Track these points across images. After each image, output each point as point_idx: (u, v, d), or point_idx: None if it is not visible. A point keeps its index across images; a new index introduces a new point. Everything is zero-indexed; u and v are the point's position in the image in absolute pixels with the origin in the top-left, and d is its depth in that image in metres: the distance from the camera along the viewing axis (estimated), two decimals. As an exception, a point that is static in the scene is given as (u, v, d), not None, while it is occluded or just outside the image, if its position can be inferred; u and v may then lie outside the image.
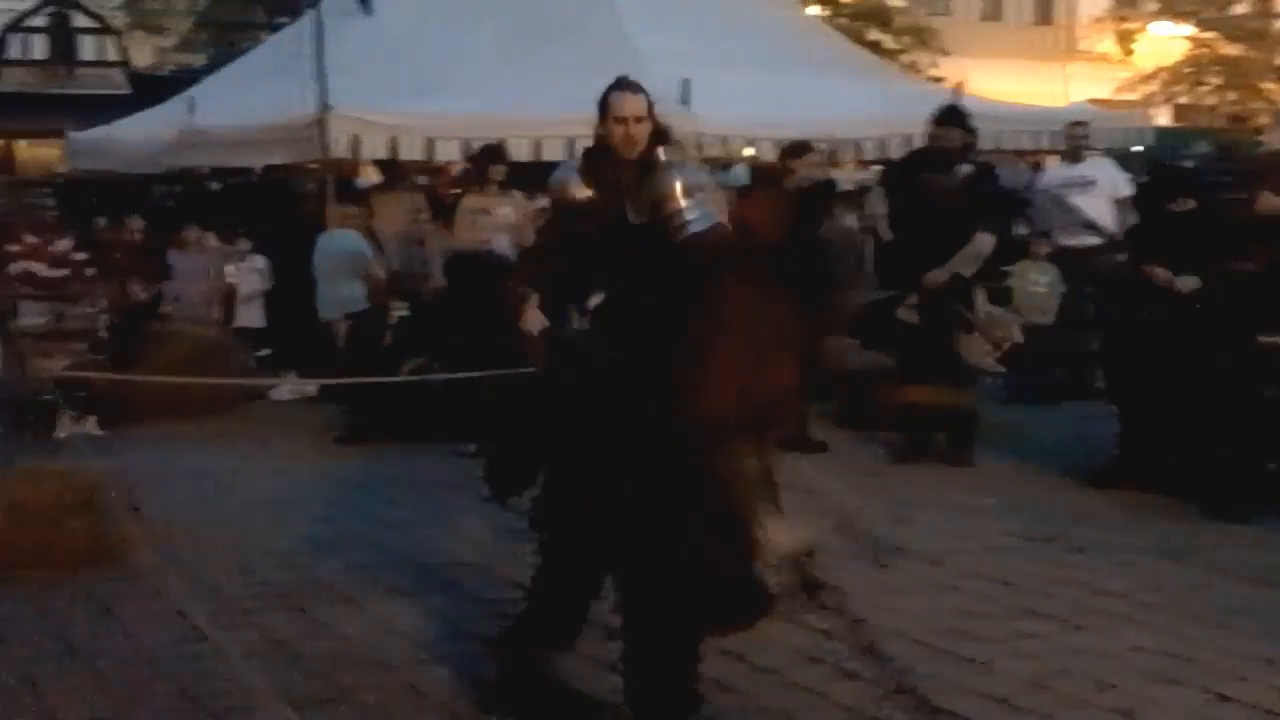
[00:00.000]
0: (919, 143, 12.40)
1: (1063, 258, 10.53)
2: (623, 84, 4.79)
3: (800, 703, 4.61)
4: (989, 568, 6.09)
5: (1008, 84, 24.61)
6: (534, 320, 4.86)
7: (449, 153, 10.43)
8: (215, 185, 15.44)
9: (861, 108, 11.98)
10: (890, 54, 23.94)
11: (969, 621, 5.39)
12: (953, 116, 8.31)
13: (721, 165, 11.00)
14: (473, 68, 11.06)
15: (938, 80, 19.02)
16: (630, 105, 4.63)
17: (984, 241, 8.03)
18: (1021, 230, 11.30)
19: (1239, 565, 6.12)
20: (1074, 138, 10.99)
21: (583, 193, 4.76)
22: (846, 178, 14.98)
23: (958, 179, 8.03)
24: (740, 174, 15.83)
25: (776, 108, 10.92)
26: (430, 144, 10.17)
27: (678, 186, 4.60)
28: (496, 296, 5.13)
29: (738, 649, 4.93)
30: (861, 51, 15.93)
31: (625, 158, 4.67)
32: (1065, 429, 8.93)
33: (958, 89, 13.01)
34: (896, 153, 12.98)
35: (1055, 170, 11.47)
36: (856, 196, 13.92)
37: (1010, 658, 4.98)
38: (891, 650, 5.00)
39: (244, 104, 11.59)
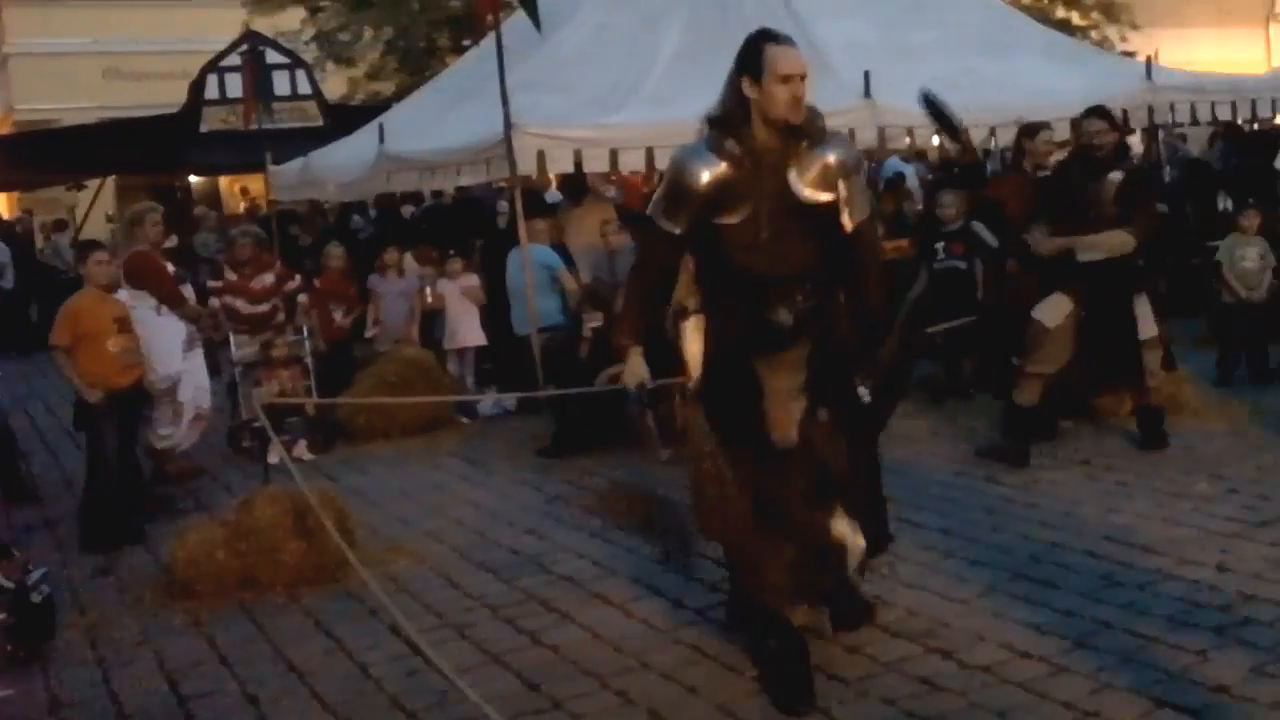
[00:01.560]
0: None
1: (1275, 230, 10.02)
2: (777, 36, 4.46)
3: (1017, 700, 4.48)
4: (1205, 554, 5.84)
5: (1203, 53, 23.69)
6: (637, 371, 4.80)
7: (633, 163, 10.48)
8: (410, 209, 15.88)
9: (1052, 89, 11.61)
10: (1079, 31, 23.23)
11: (1185, 611, 5.18)
12: (1100, 114, 7.79)
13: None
14: (652, 77, 11.07)
15: (1129, 55, 18.34)
16: (796, 60, 4.30)
17: (1117, 239, 7.42)
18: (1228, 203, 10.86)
19: None
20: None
21: (716, 171, 4.39)
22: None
23: (1111, 187, 7.47)
24: (893, 165, 15.65)
25: (962, 95, 10.61)
26: (614, 155, 10.22)
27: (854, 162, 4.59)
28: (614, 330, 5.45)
29: (945, 647, 4.83)
30: (1049, 31, 15.45)
31: (788, 122, 4.33)
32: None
33: (1151, 61, 12.55)
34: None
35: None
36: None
37: (1230, 647, 4.78)
38: (1106, 642, 4.85)
39: (434, 128, 11.84)
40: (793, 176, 4.45)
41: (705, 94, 11.55)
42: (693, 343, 4.76)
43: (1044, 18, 19.87)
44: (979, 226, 9.01)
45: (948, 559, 6.03)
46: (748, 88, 4.40)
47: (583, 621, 5.65)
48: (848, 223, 4.60)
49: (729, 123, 4.46)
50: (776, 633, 4.70)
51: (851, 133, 10.28)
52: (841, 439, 4.72)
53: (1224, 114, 12.65)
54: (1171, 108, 12.22)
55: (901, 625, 5.21)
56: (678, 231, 4.56)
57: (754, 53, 4.38)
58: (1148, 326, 7.65)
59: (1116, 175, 7.49)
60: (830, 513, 4.71)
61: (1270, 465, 7.29)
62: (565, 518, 7.44)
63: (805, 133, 4.48)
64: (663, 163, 10.38)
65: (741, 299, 4.61)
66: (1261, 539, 6.02)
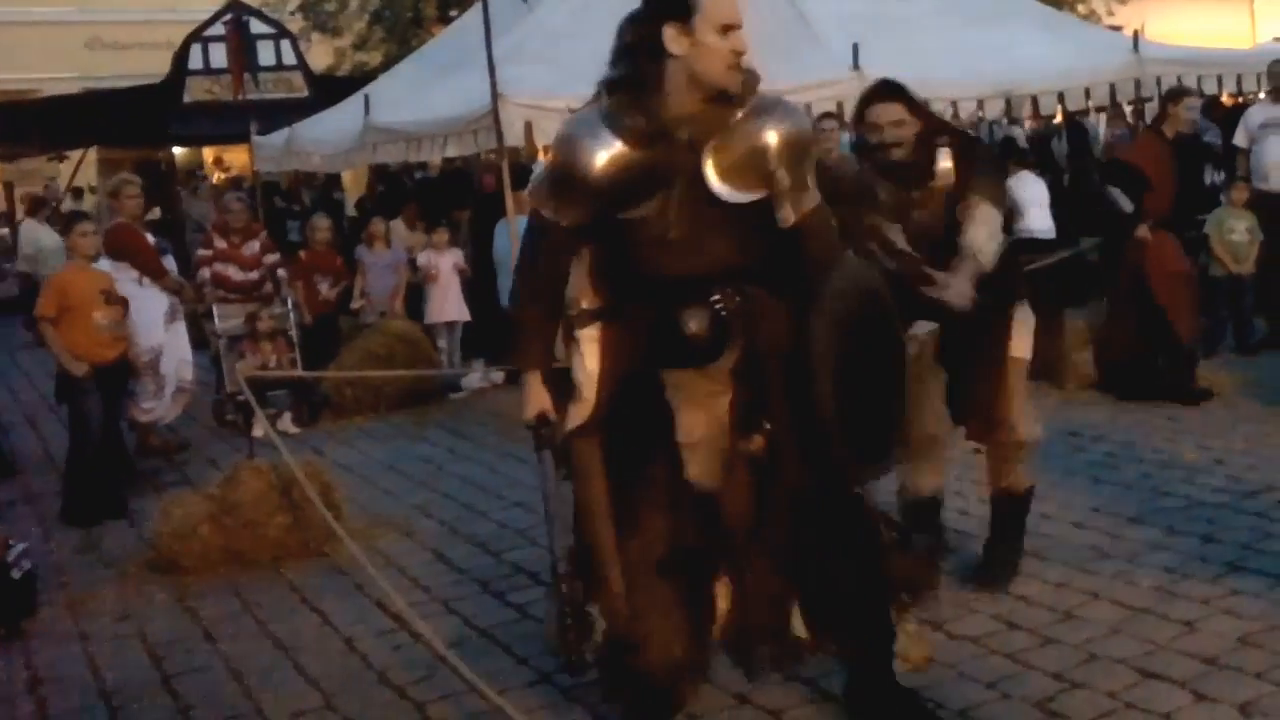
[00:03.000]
0: (1099, 94, 12.14)
1: (1261, 203, 10.01)
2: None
3: (1006, 671, 4.47)
4: (1193, 525, 5.86)
5: (1189, 27, 23.66)
6: (535, 400, 3.97)
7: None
8: (383, 187, 15.77)
9: (1037, 61, 11.60)
10: (1066, 4, 23.16)
11: (1173, 582, 5.19)
12: (893, 92, 5.12)
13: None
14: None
15: (1116, 28, 18.31)
16: (735, 6, 3.63)
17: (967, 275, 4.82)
18: (1218, 176, 10.82)
19: None
20: (1276, 76, 10.41)
21: (614, 153, 3.65)
22: (1023, 133, 14.64)
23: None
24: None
25: (950, 67, 10.61)
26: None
27: None
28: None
29: (934, 619, 4.82)
30: (1037, 4, 15.41)
31: (722, 89, 3.61)
32: (1268, 381, 8.51)
33: (1138, 34, 12.52)
34: (1077, 105, 12.62)
35: (1257, 109, 10.90)
36: (1036, 151, 13.63)
37: (1218, 616, 4.80)
38: (1094, 614, 4.85)
39: (420, 99, 11.75)
40: (708, 167, 3.62)
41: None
42: (588, 357, 3.86)
43: (1033, -10, 19.79)
44: (1115, 191, 8.71)
45: (937, 532, 6.02)
46: (671, 39, 3.53)
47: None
48: (788, 216, 3.74)
49: (637, 89, 3.60)
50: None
51: (840, 105, 10.25)
52: (799, 486, 3.81)
53: (1210, 88, 12.63)
54: (1159, 81, 12.18)
55: (891, 598, 5.19)
56: (565, 224, 3.76)
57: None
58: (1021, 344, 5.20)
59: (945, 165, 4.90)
60: (783, 597, 3.90)
61: (1256, 436, 7.32)
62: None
63: (739, 101, 3.63)
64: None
65: (648, 303, 3.78)
66: (1248, 510, 6.04)
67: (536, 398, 3.90)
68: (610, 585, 3.82)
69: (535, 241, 3.92)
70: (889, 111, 4.74)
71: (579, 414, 3.86)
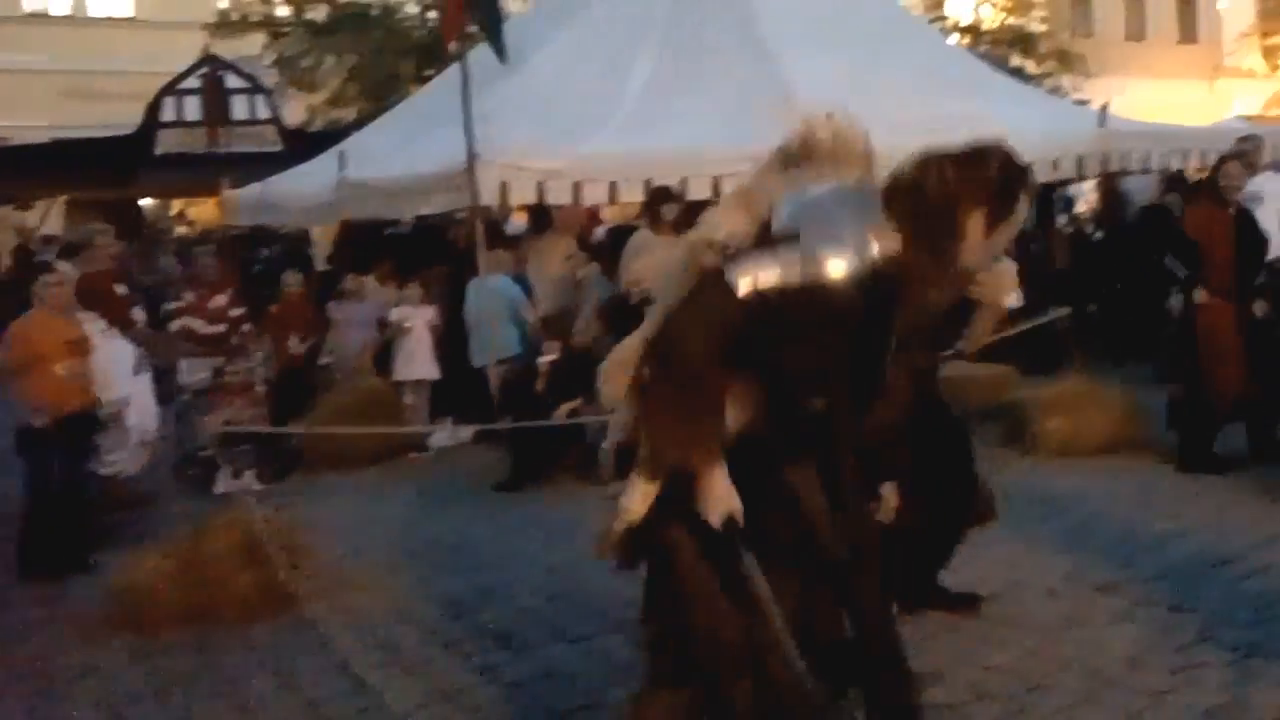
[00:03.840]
0: (1066, 167, 12.28)
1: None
2: None
3: None
4: (1164, 594, 5.86)
5: (1154, 102, 24.04)
6: (726, 498, 3.45)
7: (596, 195, 10.46)
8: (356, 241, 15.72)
9: (1012, 133, 11.69)
10: (1034, 79, 23.54)
11: (1144, 651, 5.19)
12: None
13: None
14: (619, 110, 11.09)
15: (1082, 103, 18.60)
16: None
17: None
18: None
19: None
20: (1244, 153, 10.57)
21: None
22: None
23: None
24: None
25: (924, 136, 10.67)
26: (577, 187, 10.20)
27: None
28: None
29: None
30: (1005, 77, 15.64)
31: None
32: (1233, 450, 8.56)
33: (1104, 110, 12.70)
34: (1045, 176, 12.75)
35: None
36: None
37: (1187, 688, 4.80)
38: (1065, 683, 4.83)
39: (395, 156, 11.78)
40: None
41: (673, 128, 11.70)
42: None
43: (1001, 64, 20.11)
44: (1171, 260, 8.85)
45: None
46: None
47: (539, 658, 5.57)
48: None
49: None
50: None
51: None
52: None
53: (1175, 163, 12.81)
54: (1124, 156, 12.36)
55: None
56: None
57: None
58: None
59: None
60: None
61: (1226, 505, 7.35)
62: (523, 551, 7.35)
63: None
64: (628, 195, 10.42)
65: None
66: (1217, 580, 6.04)
67: (727, 494, 3.44)
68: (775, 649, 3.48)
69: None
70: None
71: (645, 494, 3.52)
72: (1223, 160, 8.98)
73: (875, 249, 3.22)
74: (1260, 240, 8.65)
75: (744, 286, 3.28)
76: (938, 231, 3.19)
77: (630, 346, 3.64)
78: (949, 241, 3.20)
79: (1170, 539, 6.74)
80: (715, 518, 3.40)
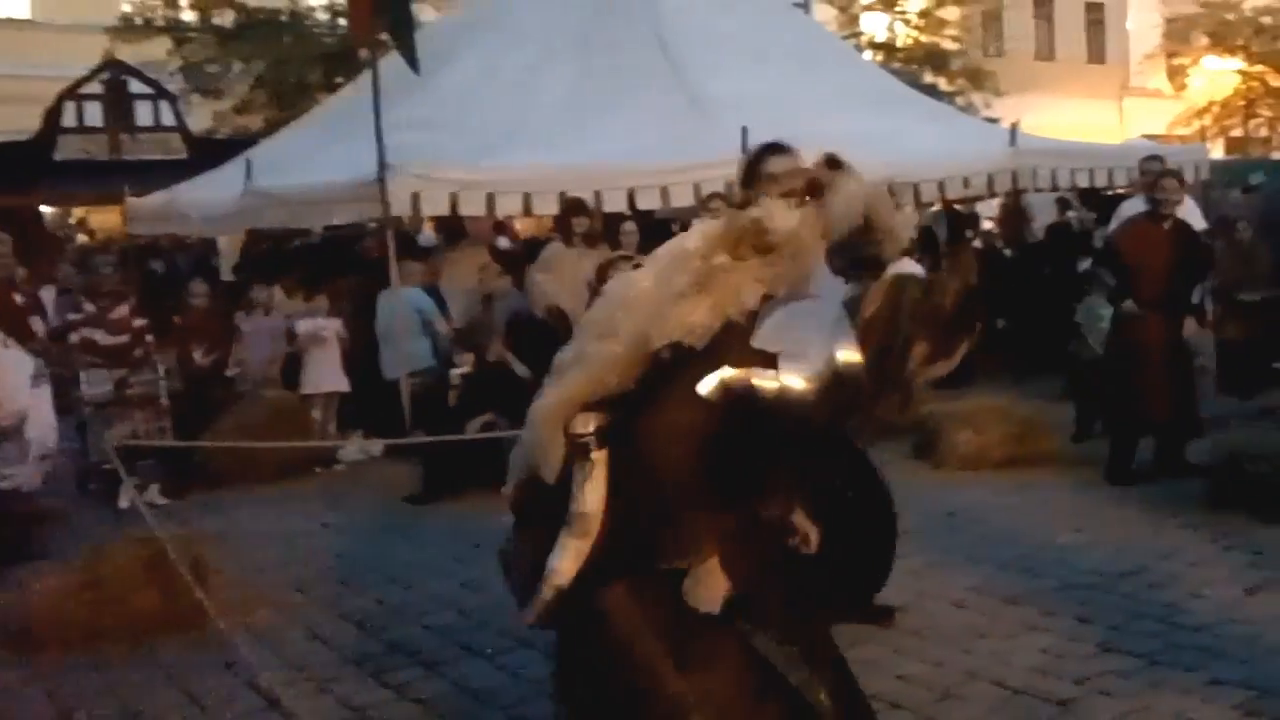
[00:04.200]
0: (977, 184, 12.46)
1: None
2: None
3: None
4: (1067, 606, 5.94)
5: (1063, 121, 24.50)
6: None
7: (510, 207, 10.42)
8: (263, 249, 15.53)
9: (920, 150, 11.89)
10: (946, 96, 23.88)
11: (1050, 661, 5.26)
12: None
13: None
14: (533, 123, 11.08)
15: (993, 121, 18.90)
16: None
17: None
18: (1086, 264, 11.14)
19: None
20: (1149, 173, 10.77)
21: None
22: (907, 220, 14.95)
23: None
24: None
25: (836, 149, 10.82)
26: (491, 199, 10.15)
27: None
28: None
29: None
30: (918, 94, 15.84)
31: None
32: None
33: (1014, 129, 12.90)
34: (956, 194, 12.93)
35: (1130, 202, 11.27)
36: (922, 237, 13.90)
37: (1093, 696, 4.87)
38: (973, 693, 4.88)
39: (304, 165, 11.65)
40: None
41: (588, 141, 11.71)
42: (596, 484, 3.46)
43: (914, 82, 20.37)
44: (1101, 271, 8.97)
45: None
46: None
47: (451, 675, 5.51)
48: None
49: None
50: None
51: (729, 186, 10.37)
52: None
53: (1082, 181, 13.05)
54: (1033, 174, 12.57)
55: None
56: None
57: None
58: None
59: None
60: None
61: (1128, 518, 7.48)
62: (434, 566, 7.28)
63: None
64: (542, 208, 10.39)
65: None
66: (1121, 591, 6.14)
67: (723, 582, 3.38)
68: None
69: None
70: (784, 163, 4.82)
71: (578, 554, 3.39)
72: (1159, 176, 9.12)
73: (839, 361, 3.21)
74: (1199, 254, 8.81)
75: (709, 387, 3.25)
76: (890, 358, 3.22)
77: (559, 407, 3.45)
78: (899, 366, 3.25)
79: (1075, 551, 6.84)
80: (713, 604, 3.34)
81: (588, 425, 3.39)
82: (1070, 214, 14.03)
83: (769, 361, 3.24)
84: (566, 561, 3.37)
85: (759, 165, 4.54)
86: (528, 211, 10.52)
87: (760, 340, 3.27)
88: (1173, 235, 8.50)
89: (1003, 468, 8.71)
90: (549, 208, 10.19)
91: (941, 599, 6.12)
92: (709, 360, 3.27)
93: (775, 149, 4.47)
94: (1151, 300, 8.32)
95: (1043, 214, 14.52)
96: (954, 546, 7.01)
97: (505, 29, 12.47)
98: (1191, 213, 10.65)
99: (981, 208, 15.70)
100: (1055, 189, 13.38)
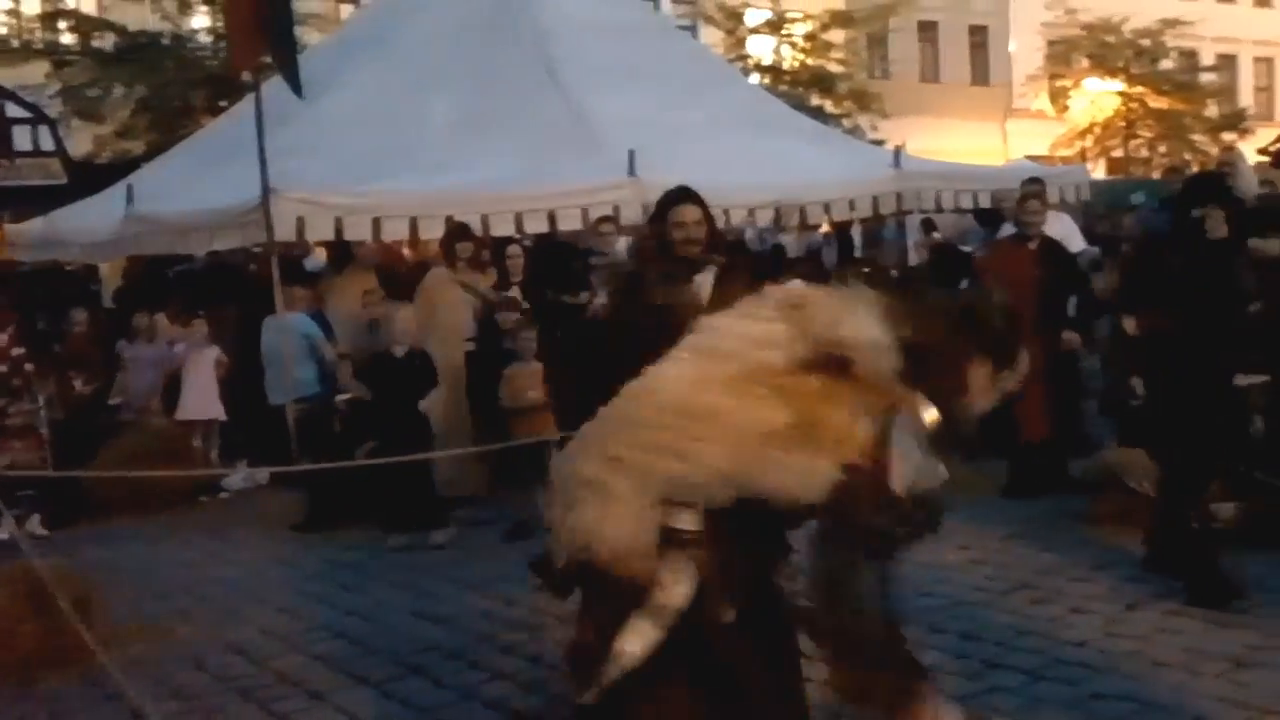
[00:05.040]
0: (863, 206, 12.64)
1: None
2: None
3: None
4: (954, 622, 6.02)
5: (948, 143, 24.97)
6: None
7: (396, 231, 10.36)
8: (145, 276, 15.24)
9: (806, 172, 12.05)
10: (833, 118, 24.21)
11: (936, 678, 5.28)
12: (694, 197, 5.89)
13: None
14: (419, 146, 11.02)
15: (879, 143, 19.21)
16: None
17: None
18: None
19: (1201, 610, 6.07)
20: (1030, 194, 11.00)
21: None
22: (794, 241, 15.13)
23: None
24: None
25: (725, 175, 10.90)
26: (377, 224, 10.09)
27: None
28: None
29: None
30: (804, 117, 16.05)
31: None
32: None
33: (899, 149, 13.13)
34: (841, 216, 13.12)
35: (1011, 225, 11.50)
36: (806, 260, 14.08)
37: (979, 712, 4.87)
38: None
39: (187, 190, 11.47)
40: None
41: (475, 165, 11.67)
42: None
43: (800, 104, 20.63)
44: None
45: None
46: None
47: (338, 703, 5.44)
48: None
49: None
50: None
51: (616, 209, 10.44)
52: None
53: (966, 202, 13.28)
54: (917, 195, 12.77)
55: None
56: None
57: None
58: None
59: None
60: None
61: (1015, 535, 7.60)
62: (321, 595, 7.19)
63: None
64: (428, 232, 10.34)
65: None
66: (1006, 608, 6.24)
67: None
68: None
69: None
70: (692, 213, 5.13)
71: (652, 641, 3.29)
72: (1023, 198, 9.34)
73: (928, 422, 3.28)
74: (1069, 271, 8.99)
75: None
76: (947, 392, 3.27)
77: (643, 511, 3.25)
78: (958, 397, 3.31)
79: (961, 568, 6.93)
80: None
81: (691, 523, 3.27)
82: (935, 235, 14.26)
83: None
84: (639, 647, 3.28)
85: (667, 208, 5.08)
86: (414, 236, 10.46)
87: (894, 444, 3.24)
88: (1039, 254, 8.72)
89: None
90: (435, 232, 10.14)
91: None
92: None
93: (687, 196, 5.07)
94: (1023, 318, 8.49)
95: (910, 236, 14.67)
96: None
97: (391, 53, 12.40)
98: (1070, 232, 10.92)
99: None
100: (940, 210, 13.60)
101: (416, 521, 8.28)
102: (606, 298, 7.27)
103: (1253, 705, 4.84)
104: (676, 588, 3.26)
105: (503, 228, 10.46)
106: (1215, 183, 6.35)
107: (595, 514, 3.23)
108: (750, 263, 10.70)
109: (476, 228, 10.11)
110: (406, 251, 11.70)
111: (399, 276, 10.69)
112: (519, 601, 6.66)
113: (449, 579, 7.33)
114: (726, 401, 3.15)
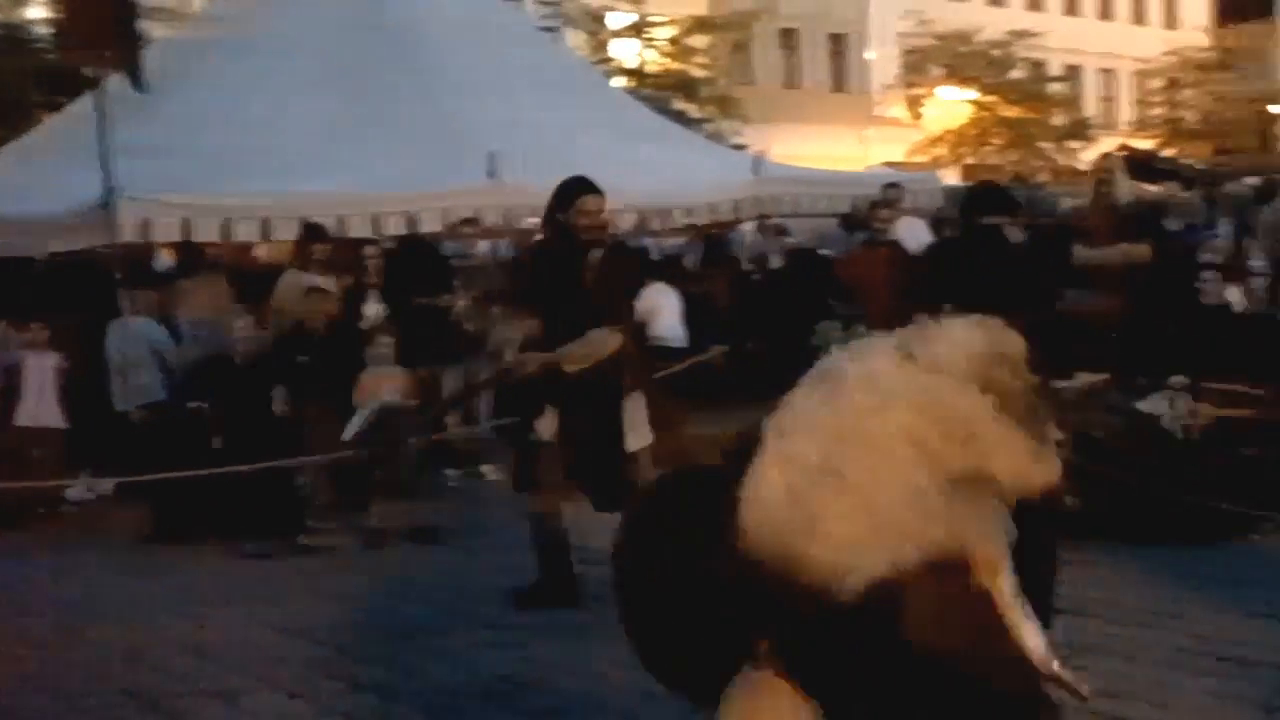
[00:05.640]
0: (725, 210, 12.66)
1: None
2: None
3: None
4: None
5: (809, 148, 25.24)
6: None
7: (248, 234, 10.08)
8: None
9: (668, 177, 12.04)
10: (696, 123, 24.31)
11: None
12: (584, 187, 6.36)
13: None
14: (275, 147, 10.76)
15: (741, 148, 19.31)
16: None
17: (598, 341, 6.21)
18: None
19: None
20: (888, 200, 11.14)
21: None
22: (657, 245, 15.10)
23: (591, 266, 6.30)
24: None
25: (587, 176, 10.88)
26: (227, 225, 9.80)
27: None
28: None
29: None
30: (667, 121, 16.06)
31: None
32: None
33: (760, 155, 13.20)
34: (704, 220, 13.12)
35: (904, 224, 11.65)
36: (668, 263, 14.06)
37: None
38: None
39: (25, 189, 10.99)
40: None
41: (333, 167, 11.44)
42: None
43: (662, 108, 20.66)
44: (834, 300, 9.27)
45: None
46: None
47: (190, 718, 5.25)
48: None
49: None
50: None
51: (477, 212, 10.30)
52: None
53: (825, 206, 13.42)
54: (777, 200, 12.86)
55: None
56: None
57: None
58: (639, 435, 6.34)
59: (597, 253, 6.27)
60: None
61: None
62: (172, 609, 6.91)
63: None
64: (282, 233, 10.07)
65: None
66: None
67: None
68: None
69: None
70: (596, 202, 5.94)
71: None
72: (874, 205, 9.51)
73: None
74: (918, 272, 9.12)
75: None
76: None
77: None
78: None
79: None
80: None
81: None
82: (787, 239, 14.37)
83: None
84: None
85: (574, 197, 5.79)
86: (267, 238, 10.20)
87: None
88: (889, 258, 8.94)
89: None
90: (289, 234, 9.90)
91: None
92: None
93: (589, 188, 5.75)
94: (879, 321, 8.60)
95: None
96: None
97: (247, 50, 12.08)
98: (924, 237, 11.08)
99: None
100: (799, 215, 13.70)
101: (274, 528, 8.05)
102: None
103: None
104: None
105: (360, 229, 10.26)
106: (1001, 192, 6.60)
107: None
108: (637, 256, 10.75)
109: (333, 229, 9.89)
110: (259, 253, 11.41)
111: (251, 279, 10.40)
112: (379, 610, 6.50)
113: (306, 589, 7.12)
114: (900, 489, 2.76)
